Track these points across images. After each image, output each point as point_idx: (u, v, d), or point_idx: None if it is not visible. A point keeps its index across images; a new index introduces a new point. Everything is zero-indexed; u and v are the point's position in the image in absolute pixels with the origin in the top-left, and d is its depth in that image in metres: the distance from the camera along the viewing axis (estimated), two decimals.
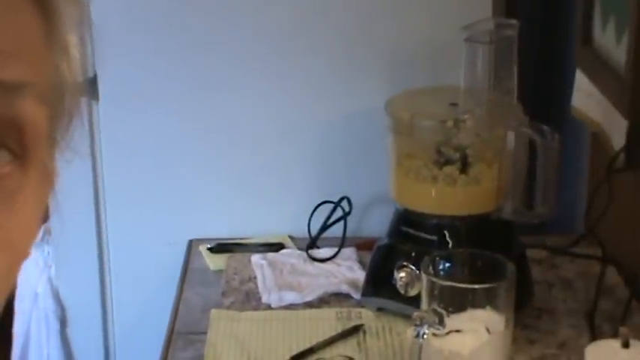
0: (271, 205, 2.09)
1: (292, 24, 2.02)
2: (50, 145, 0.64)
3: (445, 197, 1.69)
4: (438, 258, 1.42)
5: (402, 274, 1.65)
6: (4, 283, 0.60)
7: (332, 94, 2.03)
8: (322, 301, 1.78)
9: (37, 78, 0.59)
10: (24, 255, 0.63)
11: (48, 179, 0.65)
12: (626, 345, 1.31)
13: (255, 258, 1.92)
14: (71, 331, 2.14)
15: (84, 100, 1.74)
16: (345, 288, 1.80)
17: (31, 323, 2.16)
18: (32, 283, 2.16)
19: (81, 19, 0.64)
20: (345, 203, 2.00)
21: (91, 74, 1.96)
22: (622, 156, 1.59)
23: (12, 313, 2.12)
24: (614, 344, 1.33)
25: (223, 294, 1.82)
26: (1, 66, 0.56)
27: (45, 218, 1.90)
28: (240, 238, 2.03)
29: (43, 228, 2.10)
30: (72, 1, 0.63)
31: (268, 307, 1.77)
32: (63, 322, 2.12)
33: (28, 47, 0.59)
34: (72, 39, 0.63)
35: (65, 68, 0.63)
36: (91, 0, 1.57)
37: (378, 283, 1.73)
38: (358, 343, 1.64)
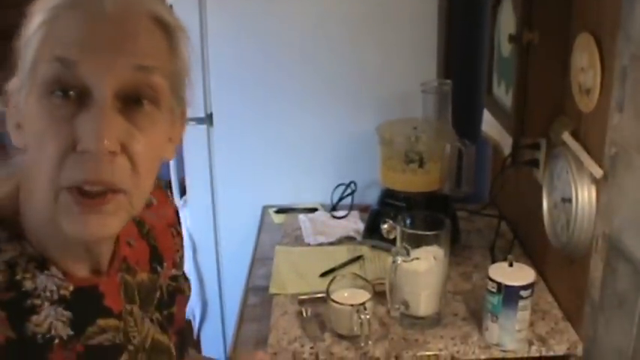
0: (310, 185, 2.03)
1: (326, 89, 1.97)
2: (175, 99, 0.72)
3: (410, 181, 1.69)
4: (406, 216, 1.41)
5: (385, 226, 1.69)
6: (156, 166, 0.72)
7: (349, 121, 1.98)
8: (339, 241, 1.78)
9: (161, 65, 0.70)
10: (162, 154, 0.72)
11: (174, 119, 0.74)
12: (511, 265, 1.34)
13: (301, 216, 1.93)
14: (198, 256, 2.12)
15: (205, 127, 1.84)
16: (352, 233, 1.81)
17: None
18: None
19: (188, 38, 0.73)
20: (352, 185, 1.98)
21: (209, 111, 1.96)
22: (509, 159, 1.58)
23: None
24: (504, 265, 1.34)
25: (282, 237, 1.83)
26: (144, 59, 0.68)
27: (183, 192, 2.04)
28: (292, 205, 2.00)
29: (183, 199, 2.11)
30: (181, 30, 0.72)
31: (308, 244, 1.77)
32: (194, 251, 2.10)
33: (157, 51, 0.70)
34: (183, 50, 0.72)
35: (179, 63, 0.72)
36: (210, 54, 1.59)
37: (372, 231, 1.74)
38: (360, 266, 1.65)
